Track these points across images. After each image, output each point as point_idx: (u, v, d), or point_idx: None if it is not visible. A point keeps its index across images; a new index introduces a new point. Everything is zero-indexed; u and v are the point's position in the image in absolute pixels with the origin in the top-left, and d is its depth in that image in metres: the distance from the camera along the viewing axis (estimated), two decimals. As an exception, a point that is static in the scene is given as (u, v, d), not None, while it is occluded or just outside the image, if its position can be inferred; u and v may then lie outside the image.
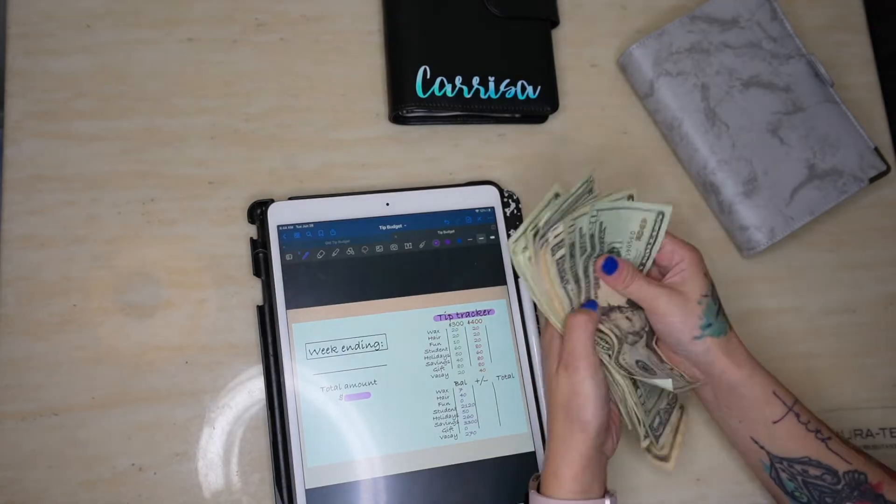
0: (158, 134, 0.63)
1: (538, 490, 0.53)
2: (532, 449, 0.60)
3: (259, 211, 0.61)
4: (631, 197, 0.58)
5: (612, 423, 0.55)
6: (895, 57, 0.76)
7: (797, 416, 0.55)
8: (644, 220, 0.57)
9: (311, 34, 0.68)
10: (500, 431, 0.60)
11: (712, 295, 0.56)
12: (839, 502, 0.53)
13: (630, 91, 0.71)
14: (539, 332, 0.62)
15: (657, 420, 0.57)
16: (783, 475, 0.55)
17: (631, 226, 0.57)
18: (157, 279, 0.61)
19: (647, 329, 0.58)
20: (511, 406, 0.60)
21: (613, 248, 0.58)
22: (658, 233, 0.57)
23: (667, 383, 0.53)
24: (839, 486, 0.53)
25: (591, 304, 0.57)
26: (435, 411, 0.59)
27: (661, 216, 0.57)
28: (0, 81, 0.64)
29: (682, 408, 0.58)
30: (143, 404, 0.58)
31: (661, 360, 0.57)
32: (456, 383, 0.60)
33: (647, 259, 0.58)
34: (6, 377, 0.57)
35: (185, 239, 0.62)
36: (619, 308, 0.57)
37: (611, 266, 0.56)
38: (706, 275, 0.56)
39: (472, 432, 0.59)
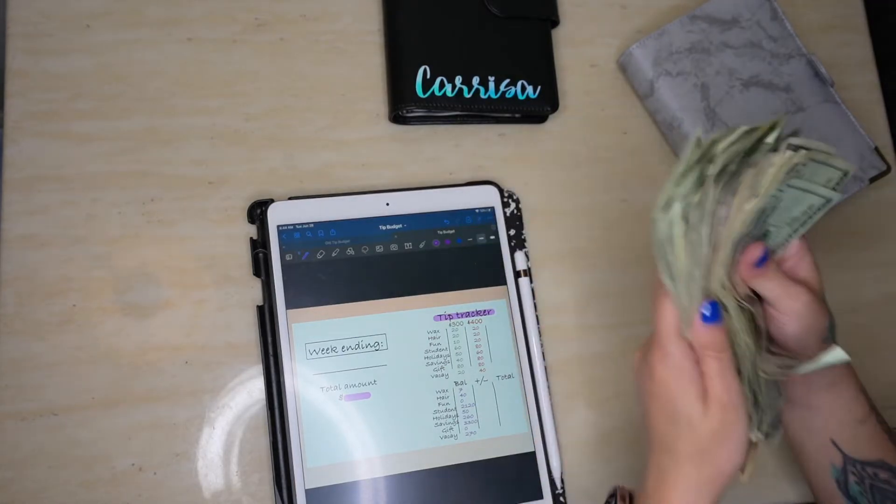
0: (158, 134, 0.63)
1: None
2: (532, 449, 0.60)
3: (259, 211, 0.61)
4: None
5: None
6: (895, 57, 0.76)
7: (877, 416, 0.54)
8: (811, 206, 0.47)
9: (311, 34, 0.68)
10: (500, 431, 0.60)
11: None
12: None
13: (630, 91, 0.71)
14: (539, 332, 0.62)
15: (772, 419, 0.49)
16: (851, 479, 0.53)
17: (795, 211, 0.47)
18: (157, 279, 0.61)
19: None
20: (511, 406, 0.60)
21: (768, 231, 0.48)
22: (811, 220, 0.48)
23: (837, 354, 0.45)
24: None
25: (713, 309, 0.45)
26: (435, 411, 0.59)
27: (826, 204, 0.47)
28: (0, 81, 0.64)
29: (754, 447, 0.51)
30: (143, 404, 0.58)
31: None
32: (456, 383, 0.60)
33: (788, 239, 0.49)
34: (6, 377, 0.57)
35: (185, 239, 0.62)
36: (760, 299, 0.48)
37: (763, 261, 0.46)
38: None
39: (472, 432, 0.59)
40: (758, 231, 0.47)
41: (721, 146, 0.43)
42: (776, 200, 0.47)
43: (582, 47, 0.71)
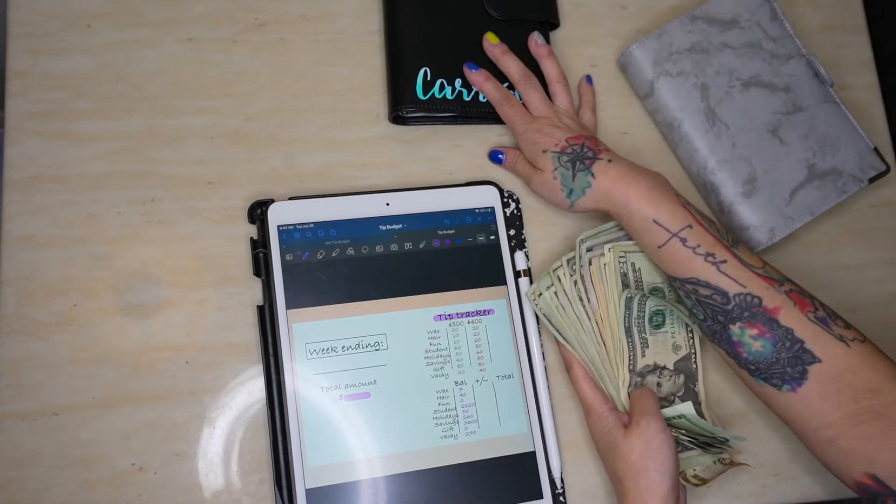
0: (158, 134, 0.63)
1: None
2: (532, 449, 0.60)
3: (259, 211, 0.61)
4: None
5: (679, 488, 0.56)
6: (895, 57, 0.77)
7: (682, 241, 0.56)
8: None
9: (311, 34, 0.68)
10: (500, 431, 0.60)
11: (561, 164, 0.60)
12: (730, 321, 0.55)
13: (630, 91, 0.71)
14: (539, 332, 0.62)
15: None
16: (680, 293, 0.58)
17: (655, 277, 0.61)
18: (157, 279, 0.61)
19: (679, 394, 0.60)
20: (511, 406, 0.60)
21: (657, 310, 0.60)
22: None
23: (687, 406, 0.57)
24: (729, 307, 0.55)
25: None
26: (435, 411, 0.59)
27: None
28: (0, 81, 0.64)
29: (730, 463, 0.59)
30: (143, 404, 0.58)
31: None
32: (456, 383, 0.60)
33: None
34: (6, 377, 0.57)
35: (185, 239, 0.62)
36: (659, 371, 0.60)
37: (496, 157, 0.66)
38: (556, 144, 0.61)
39: (472, 432, 0.59)
40: (642, 309, 0.59)
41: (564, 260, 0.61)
42: (629, 266, 0.61)
43: (582, 47, 0.71)
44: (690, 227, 0.57)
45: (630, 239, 0.61)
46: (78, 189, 0.61)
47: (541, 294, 0.60)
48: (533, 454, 0.60)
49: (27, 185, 0.61)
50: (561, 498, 0.60)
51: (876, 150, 0.69)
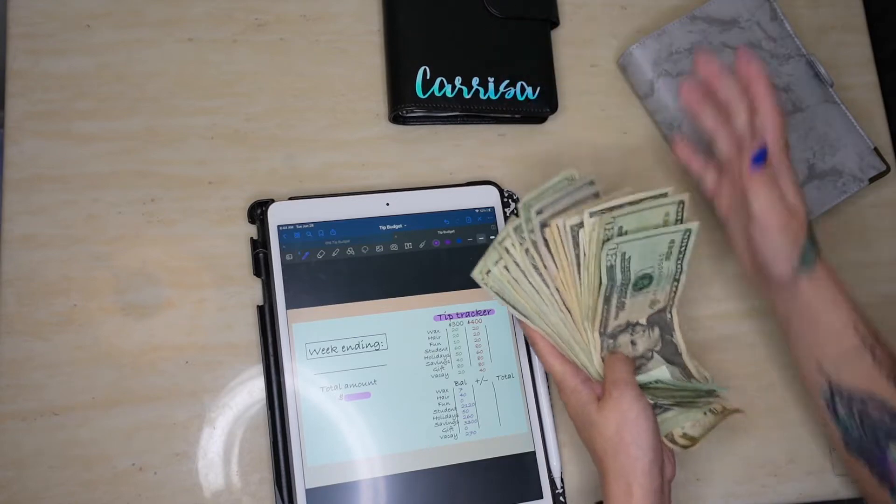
0: (158, 134, 0.63)
1: None
2: (532, 448, 0.60)
3: (259, 211, 0.61)
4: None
5: (664, 448, 0.54)
6: (895, 57, 0.76)
7: (873, 355, 0.54)
8: (672, 241, 0.55)
9: (311, 34, 0.68)
10: (500, 431, 0.60)
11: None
12: (891, 439, 0.52)
13: (630, 91, 0.71)
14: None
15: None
16: (840, 406, 0.54)
17: (659, 249, 0.55)
18: (157, 279, 0.61)
19: (657, 349, 0.57)
20: (511, 406, 0.60)
21: (644, 273, 0.55)
22: (686, 249, 0.56)
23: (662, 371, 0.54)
24: None
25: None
26: (435, 411, 0.59)
27: (687, 234, 0.55)
28: (0, 81, 0.64)
29: (723, 411, 0.55)
30: (143, 404, 0.58)
31: (689, 377, 0.56)
32: (456, 383, 0.60)
33: (681, 274, 0.57)
34: (6, 377, 0.57)
35: (185, 239, 0.62)
36: (631, 328, 0.56)
37: (761, 158, 0.54)
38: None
39: (472, 432, 0.59)
40: (626, 279, 0.54)
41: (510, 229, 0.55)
42: (618, 257, 0.53)
43: (582, 47, 0.71)
44: (878, 340, 0.54)
45: (595, 197, 0.56)
46: (78, 189, 0.61)
47: (489, 271, 0.55)
48: (533, 454, 0.60)
49: (27, 185, 0.61)
50: (561, 498, 0.60)
51: (876, 150, 0.69)
